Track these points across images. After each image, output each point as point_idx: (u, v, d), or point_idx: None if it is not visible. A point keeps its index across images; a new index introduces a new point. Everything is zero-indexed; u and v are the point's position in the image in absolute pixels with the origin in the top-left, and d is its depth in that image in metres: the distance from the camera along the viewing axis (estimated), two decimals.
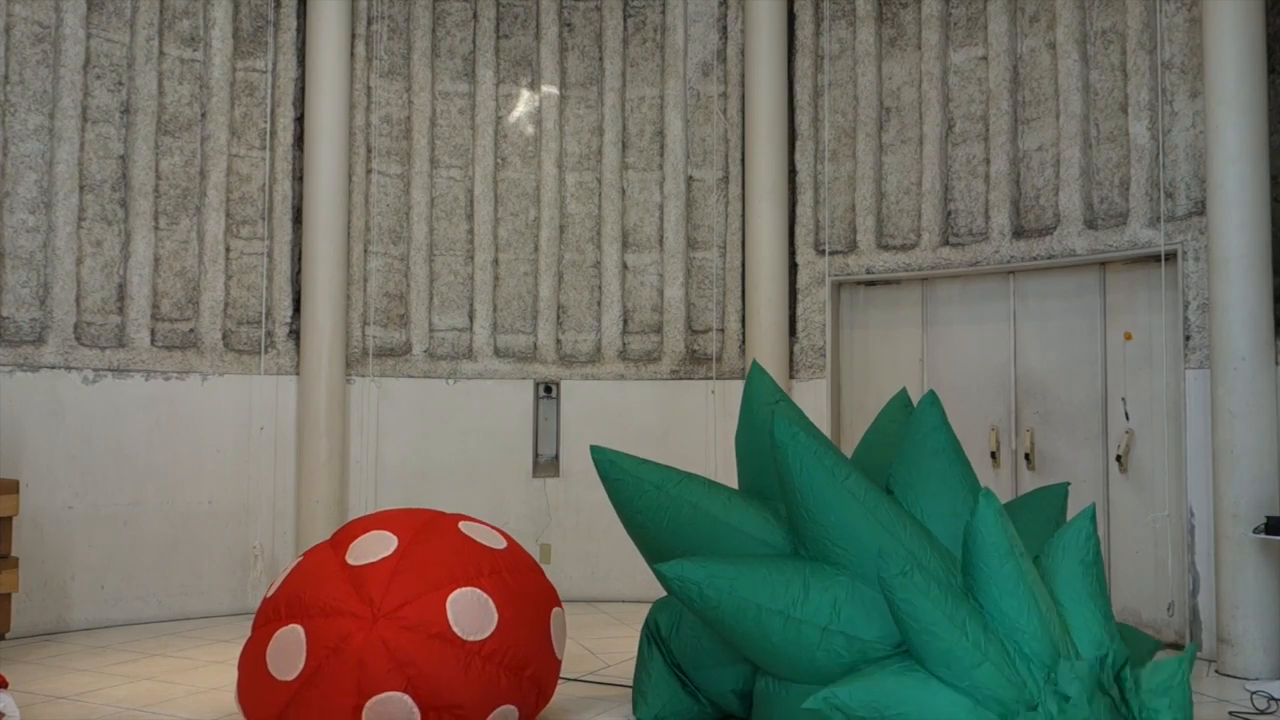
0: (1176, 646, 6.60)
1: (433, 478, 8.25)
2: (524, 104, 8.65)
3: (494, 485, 8.32)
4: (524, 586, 4.77)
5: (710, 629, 4.62)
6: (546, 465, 8.49)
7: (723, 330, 8.50)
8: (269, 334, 8.04)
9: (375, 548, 4.63)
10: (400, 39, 8.47)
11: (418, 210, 8.43)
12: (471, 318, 8.50)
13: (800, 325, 8.26)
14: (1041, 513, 4.94)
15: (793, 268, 8.30)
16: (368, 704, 4.27)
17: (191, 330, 7.79)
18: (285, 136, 8.12)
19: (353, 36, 8.23)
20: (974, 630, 3.87)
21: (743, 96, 8.44)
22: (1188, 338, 6.51)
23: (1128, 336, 7.01)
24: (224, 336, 7.88)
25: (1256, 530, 5.87)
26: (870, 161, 8.07)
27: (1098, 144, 7.04)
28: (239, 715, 4.81)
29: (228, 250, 7.95)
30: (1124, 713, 3.88)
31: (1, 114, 7.03)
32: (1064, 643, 3.94)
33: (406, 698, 4.29)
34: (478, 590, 4.55)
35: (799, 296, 8.28)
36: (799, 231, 8.31)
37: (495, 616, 4.52)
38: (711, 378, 8.44)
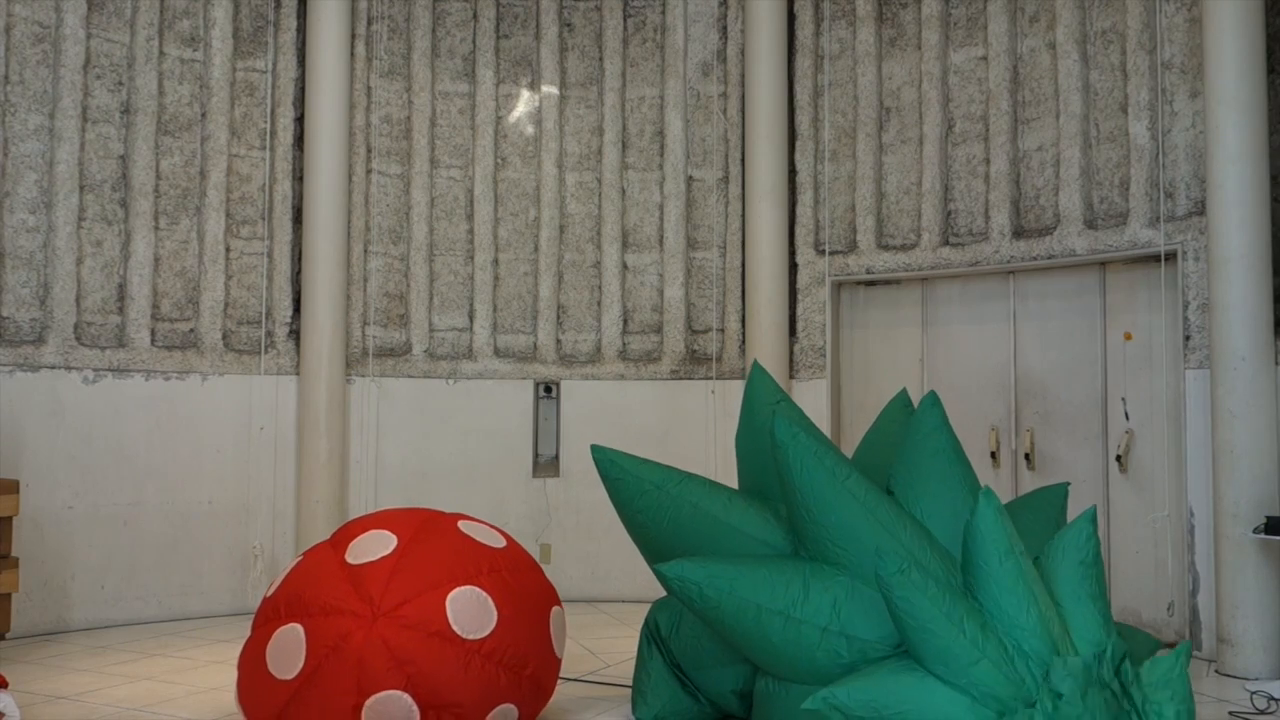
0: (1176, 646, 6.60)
1: (433, 478, 8.26)
2: (524, 104, 8.65)
3: (494, 485, 8.33)
4: (523, 585, 4.77)
5: (710, 629, 4.62)
6: (546, 465, 8.49)
7: (723, 330, 8.50)
8: (269, 334, 8.04)
9: (375, 547, 4.63)
10: (400, 39, 8.47)
11: (418, 210, 8.44)
12: (471, 318, 8.51)
13: (800, 325, 8.26)
14: (1042, 513, 4.94)
15: (793, 268, 8.30)
16: (367, 702, 4.27)
17: (191, 330, 7.79)
18: (285, 136, 8.13)
19: (353, 36, 8.23)
20: (971, 628, 3.87)
21: (743, 96, 8.44)
22: (1188, 338, 6.51)
23: (1128, 336, 7.01)
24: (224, 336, 7.89)
25: (1256, 530, 5.87)
26: (870, 161, 8.07)
27: (1098, 144, 7.04)
28: (239, 715, 4.81)
29: (228, 250, 7.95)
30: (1126, 706, 3.89)
31: (2, 114, 7.03)
32: (1063, 640, 3.95)
33: (406, 696, 4.29)
34: (477, 589, 4.55)
35: (799, 296, 8.28)
36: (799, 231, 8.31)
37: (495, 615, 4.52)
38: (711, 378, 8.44)
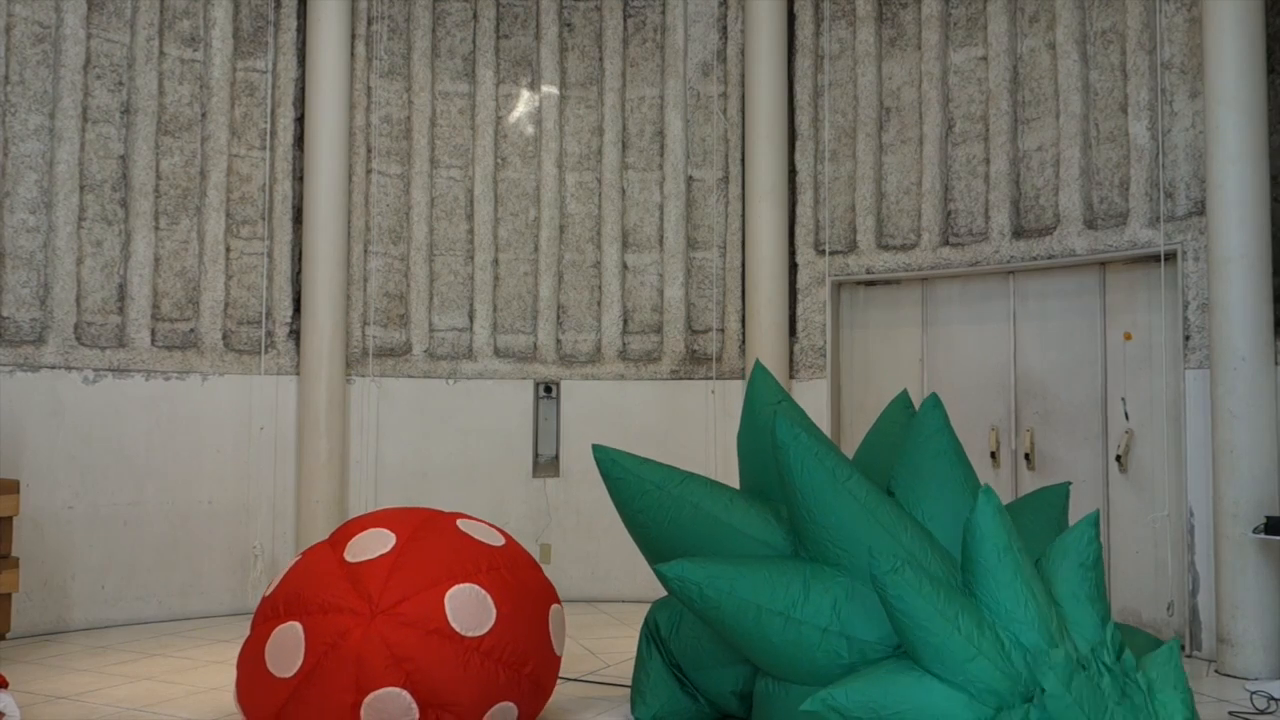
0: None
1: (433, 478, 8.26)
2: (524, 104, 8.65)
3: (494, 485, 8.33)
4: (522, 583, 4.77)
5: (710, 629, 4.62)
6: (546, 465, 8.49)
7: (723, 330, 8.50)
8: (269, 334, 8.05)
9: (373, 545, 4.64)
10: (400, 39, 8.47)
11: (418, 210, 8.44)
12: (471, 318, 8.51)
13: (800, 325, 8.26)
14: (1043, 513, 4.94)
15: (793, 268, 8.30)
16: (366, 700, 4.27)
17: (192, 330, 7.80)
18: (285, 136, 8.13)
19: (353, 36, 8.23)
20: (967, 625, 3.88)
21: (743, 96, 8.44)
22: (1187, 338, 6.51)
23: (1128, 336, 7.01)
24: (224, 336, 7.89)
25: (1256, 530, 5.87)
26: (870, 161, 8.07)
27: (1098, 144, 7.04)
28: (239, 715, 4.81)
29: (228, 250, 7.95)
30: (1130, 689, 3.89)
31: (2, 114, 7.03)
32: (1061, 635, 3.95)
33: (405, 693, 4.29)
34: (476, 586, 4.55)
35: (799, 296, 8.28)
36: (799, 231, 8.31)
37: (494, 613, 4.52)
38: (711, 378, 8.44)
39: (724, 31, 8.60)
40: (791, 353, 8.23)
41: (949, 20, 7.79)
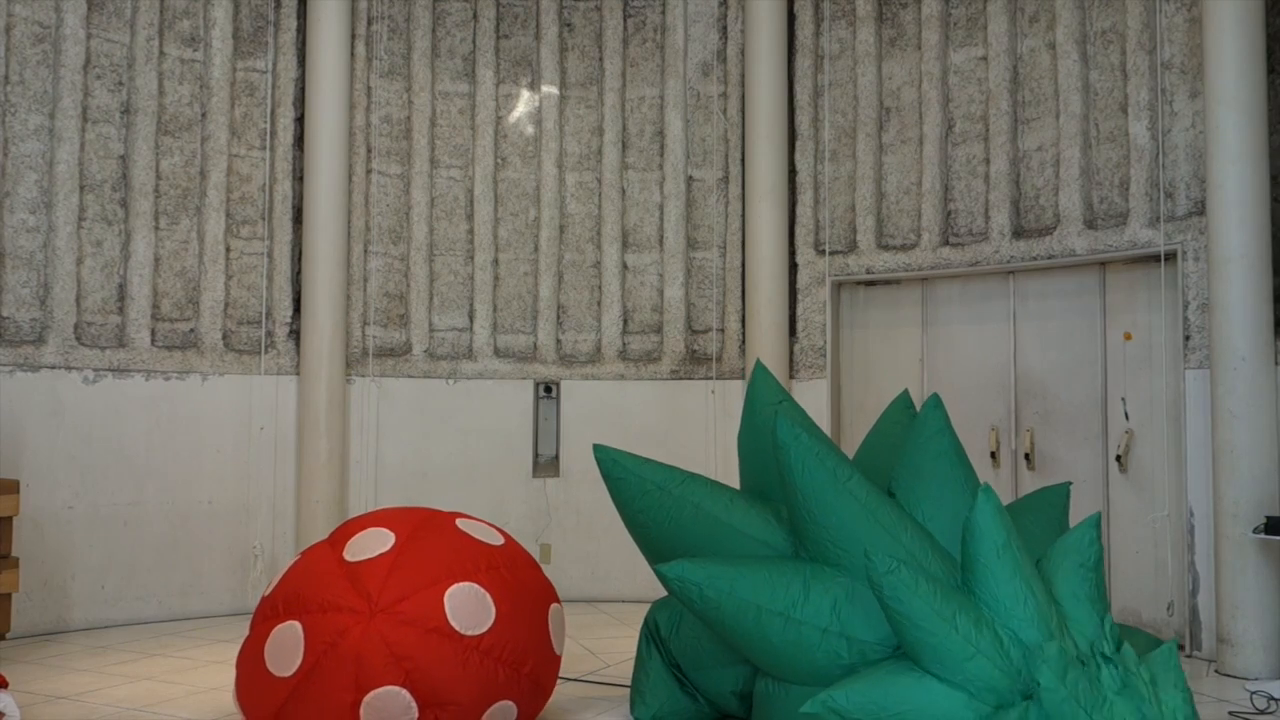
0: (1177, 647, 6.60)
1: (433, 478, 8.26)
2: (524, 104, 8.65)
3: (494, 485, 8.33)
4: (521, 582, 4.77)
5: (710, 630, 4.62)
6: (546, 465, 8.49)
7: (723, 330, 8.50)
8: (269, 334, 8.05)
9: (373, 544, 4.64)
10: (400, 39, 8.47)
11: (418, 210, 8.44)
12: (471, 318, 8.51)
13: (800, 325, 8.26)
14: (1043, 514, 4.94)
15: (793, 268, 8.30)
16: (365, 699, 4.26)
17: (191, 330, 7.80)
18: (285, 136, 8.13)
19: (353, 36, 8.23)
20: (964, 623, 3.88)
21: (743, 96, 8.44)
22: (1187, 338, 6.51)
23: (1128, 336, 7.01)
24: (224, 336, 7.89)
25: (1256, 530, 5.87)
26: (870, 161, 8.07)
27: (1098, 144, 7.04)
28: (239, 715, 4.81)
29: (228, 250, 7.95)
30: (1129, 680, 3.90)
31: (2, 114, 7.03)
32: (1060, 631, 3.95)
33: (404, 692, 4.29)
34: (475, 585, 4.55)
35: (799, 296, 8.28)
36: (799, 231, 8.31)
37: (493, 611, 4.52)
38: (711, 378, 8.44)
39: (724, 31, 8.60)
40: (791, 353, 8.23)
41: (949, 20, 7.79)
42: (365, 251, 8.30)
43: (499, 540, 4.94)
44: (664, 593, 5.41)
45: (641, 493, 4.85)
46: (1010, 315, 7.60)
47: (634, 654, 5.30)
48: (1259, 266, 6.02)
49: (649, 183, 8.64)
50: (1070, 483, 5.21)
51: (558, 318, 8.58)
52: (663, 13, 8.64)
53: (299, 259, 8.12)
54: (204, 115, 7.88)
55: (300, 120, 8.17)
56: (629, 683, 5.28)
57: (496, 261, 8.56)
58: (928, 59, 7.81)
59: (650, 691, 5.00)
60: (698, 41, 8.62)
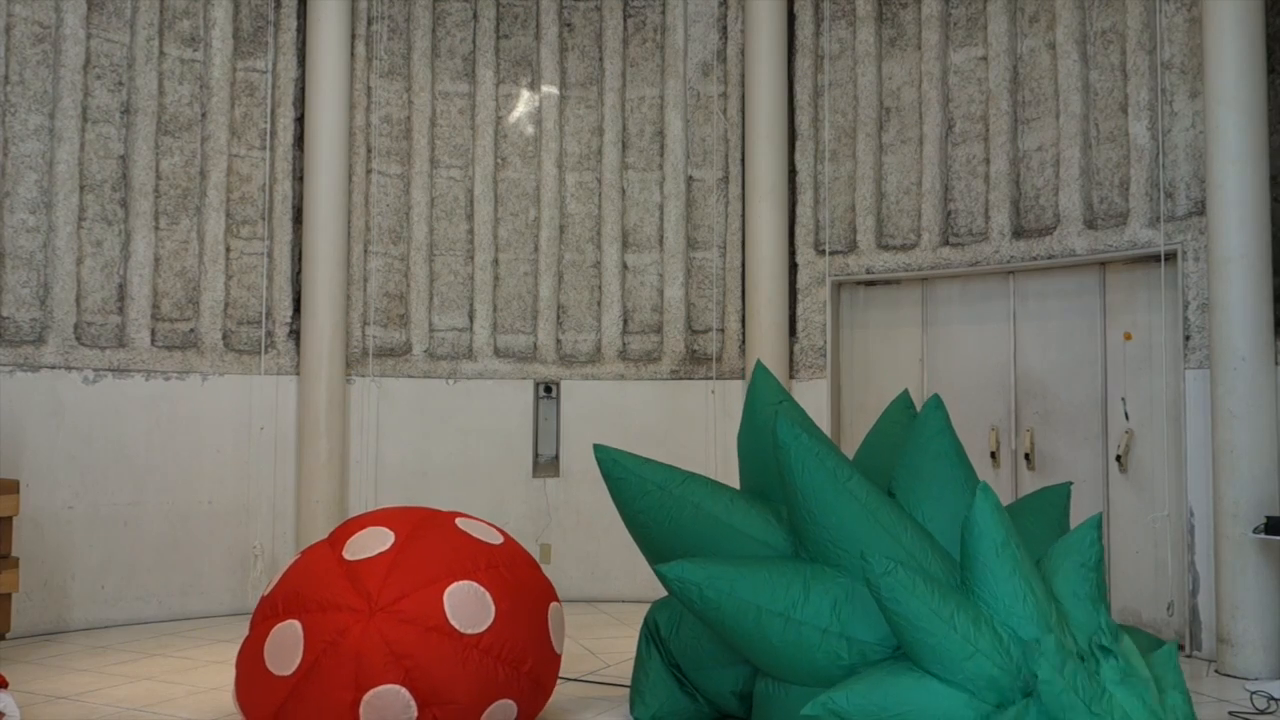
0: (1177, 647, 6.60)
1: (433, 478, 8.26)
2: (524, 104, 8.65)
3: (494, 485, 8.33)
4: (521, 581, 4.77)
5: (710, 630, 4.62)
6: (546, 465, 8.49)
7: (723, 330, 8.50)
8: (269, 334, 8.05)
9: (372, 543, 4.64)
10: (400, 39, 8.47)
11: (418, 210, 8.44)
12: (471, 318, 8.51)
13: (800, 325, 8.26)
14: (1044, 514, 4.94)
15: (793, 268, 8.30)
16: (365, 697, 4.26)
17: (191, 330, 7.80)
18: (285, 136, 8.13)
19: (353, 36, 8.23)
20: (963, 622, 3.88)
21: (743, 96, 8.45)
22: (1188, 338, 6.51)
23: (1128, 336, 7.01)
24: (224, 336, 7.89)
25: (1256, 530, 5.87)
26: (870, 161, 8.07)
27: (1098, 144, 7.04)
28: (239, 715, 4.81)
29: (228, 250, 7.95)
30: (1129, 671, 3.90)
31: (2, 114, 7.03)
32: (1060, 628, 3.96)
33: (404, 690, 4.29)
34: (475, 584, 4.56)
35: (799, 296, 8.28)
36: (799, 231, 8.31)
37: (492, 610, 4.52)
38: (711, 378, 8.44)
39: (724, 31, 8.60)
40: (791, 353, 8.23)
41: (949, 20, 7.79)
42: (365, 251, 8.30)
43: (498, 539, 4.94)
44: (664, 593, 5.41)
45: (642, 493, 4.85)
46: (1010, 315, 7.60)
47: (634, 654, 5.29)
48: (1259, 266, 6.02)
49: (649, 183, 8.64)
50: (1070, 483, 5.21)
51: (558, 318, 8.58)
52: (663, 13, 8.64)
53: (299, 259, 8.12)
54: (204, 115, 7.88)
55: (300, 120, 8.17)
56: (629, 683, 5.28)
57: (496, 261, 8.56)
58: (928, 59, 7.81)
59: (650, 691, 5.00)
60: (698, 41, 8.62)
